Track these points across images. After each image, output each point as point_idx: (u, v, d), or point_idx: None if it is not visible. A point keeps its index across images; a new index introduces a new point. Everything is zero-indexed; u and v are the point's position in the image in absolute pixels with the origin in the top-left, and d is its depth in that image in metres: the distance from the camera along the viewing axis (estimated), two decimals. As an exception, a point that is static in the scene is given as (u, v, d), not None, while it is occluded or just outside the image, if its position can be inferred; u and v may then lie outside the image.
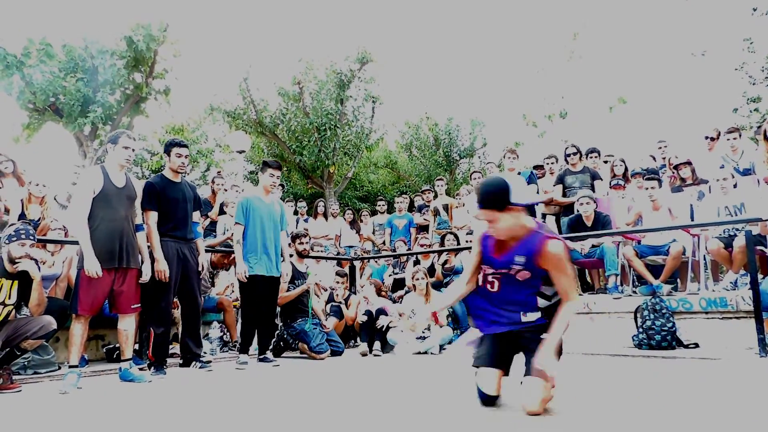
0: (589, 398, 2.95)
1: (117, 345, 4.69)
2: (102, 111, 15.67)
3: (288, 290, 5.78)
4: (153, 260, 4.51)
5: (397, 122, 22.31)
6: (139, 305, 4.32)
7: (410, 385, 3.71)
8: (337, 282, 6.66)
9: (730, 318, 5.10)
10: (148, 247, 4.51)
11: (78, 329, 3.94)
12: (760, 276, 4.82)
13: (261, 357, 5.27)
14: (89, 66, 15.69)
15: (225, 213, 7.25)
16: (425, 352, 5.70)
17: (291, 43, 30.58)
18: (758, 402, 2.75)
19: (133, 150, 4.28)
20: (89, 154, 16.15)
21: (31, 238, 3.95)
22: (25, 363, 4.44)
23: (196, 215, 5.07)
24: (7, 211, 5.56)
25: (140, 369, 4.48)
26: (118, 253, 4.04)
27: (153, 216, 4.62)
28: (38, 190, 5.71)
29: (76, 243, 4.34)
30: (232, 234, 5.49)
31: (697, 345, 5.03)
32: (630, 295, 5.87)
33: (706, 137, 7.45)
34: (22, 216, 5.48)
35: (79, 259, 4.03)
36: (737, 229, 5.46)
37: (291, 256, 6.17)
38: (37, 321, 3.88)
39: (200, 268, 5.00)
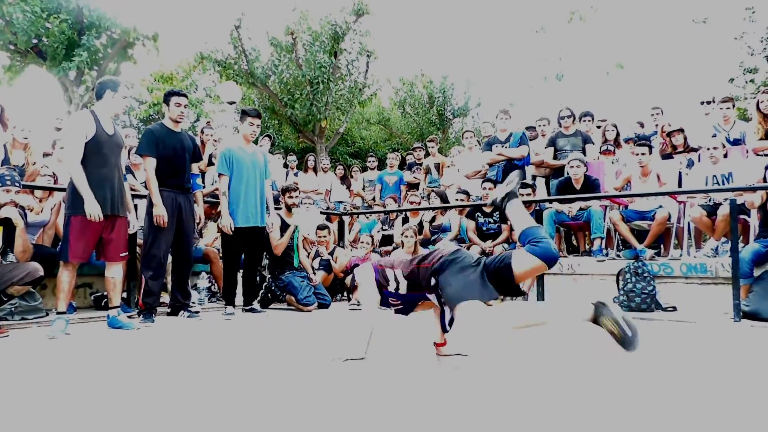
0: (563, 356, 3.04)
1: (105, 293, 4.72)
2: (87, 55, 15.20)
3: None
4: (151, 206, 4.60)
5: (391, 78, 21.96)
6: (127, 253, 4.34)
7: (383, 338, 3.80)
8: (320, 237, 6.69)
9: (709, 284, 5.22)
10: (138, 196, 4.52)
11: (66, 276, 3.96)
12: (741, 244, 4.92)
13: (248, 308, 5.35)
14: (74, 7, 15.11)
15: (214, 164, 7.19)
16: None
17: (284, -9, 29.60)
18: (726, 363, 2.85)
19: (126, 98, 4.34)
20: (75, 100, 15.78)
21: (17, 184, 3.91)
22: (12, 309, 4.45)
23: (195, 167, 5.11)
24: (-10, 155, 5.46)
25: (128, 317, 4.53)
26: (110, 200, 4.03)
27: (151, 162, 4.66)
28: (22, 136, 5.60)
29: (63, 190, 4.30)
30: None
31: (675, 308, 5.17)
32: (614, 259, 5.96)
33: (702, 102, 7.44)
34: (5, 161, 5.39)
35: (68, 205, 4.01)
36: (725, 198, 5.52)
37: (280, 209, 6.19)
38: (24, 267, 3.89)
39: (197, 220, 5.08)
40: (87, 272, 5.46)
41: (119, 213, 4.14)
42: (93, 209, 3.86)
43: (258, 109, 5.48)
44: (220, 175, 5.22)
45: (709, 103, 7.30)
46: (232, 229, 5.12)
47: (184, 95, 4.95)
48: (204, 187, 7.04)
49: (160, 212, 4.59)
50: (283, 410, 1.90)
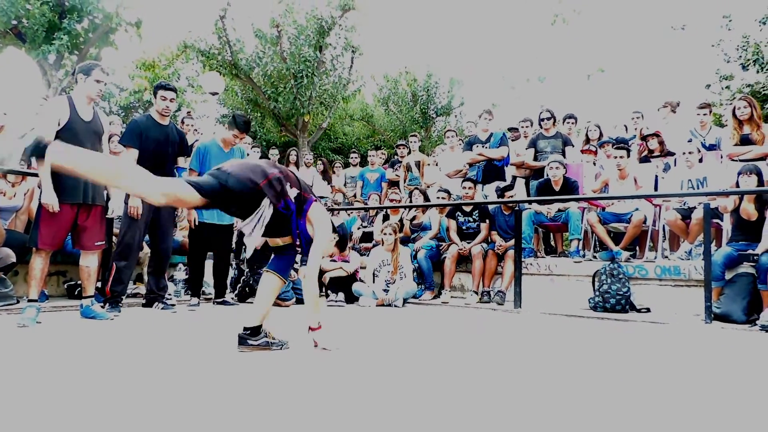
0: (535, 353, 3.09)
1: (79, 282, 4.64)
2: (68, 39, 14.87)
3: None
4: (127, 196, 4.54)
5: (375, 75, 21.90)
6: (104, 243, 4.27)
7: (366, 335, 3.81)
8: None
9: (682, 286, 5.33)
10: None
11: (38, 263, 3.88)
12: (713, 247, 5.03)
13: (219, 300, 5.36)
14: (55, -11, 14.79)
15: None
16: (389, 305, 5.82)
17: (271, -17, 29.29)
18: (695, 364, 2.92)
19: (105, 84, 4.19)
20: (53, 84, 15.45)
21: (-9, 167, 3.82)
22: (-17, 295, 4.37)
23: (182, 161, 5.07)
24: (-37, 138, 5.33)
25: (102, 307, 4.46)
26: (83, 188, 3.96)
27: (133, 153, 4.63)
28: (-2, 118, 5.47)
29: (37, 175, 4.21)
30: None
31: (648, 310, 5.27)
32: (590, 260, 6.05)
33: (658, 108, 7.63)
34: (-20, 144, 5.26)
35: (42, 191, 3.93)
36: (699, 202, 5.63)
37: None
38: (-5, 253, 3.81)
39: (177, 212, 5.07)
40: (61, 260, 5.39)
41: (95, 201, 4.07)
42: (49, 199, 3.78)
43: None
44: (190, 170, 5.18)
45: (664, 107, 7.49)
46: (196, 223, 5.19)
47: (172, 89, 4.86)
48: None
49: (135, 203, 4.57)
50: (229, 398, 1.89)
